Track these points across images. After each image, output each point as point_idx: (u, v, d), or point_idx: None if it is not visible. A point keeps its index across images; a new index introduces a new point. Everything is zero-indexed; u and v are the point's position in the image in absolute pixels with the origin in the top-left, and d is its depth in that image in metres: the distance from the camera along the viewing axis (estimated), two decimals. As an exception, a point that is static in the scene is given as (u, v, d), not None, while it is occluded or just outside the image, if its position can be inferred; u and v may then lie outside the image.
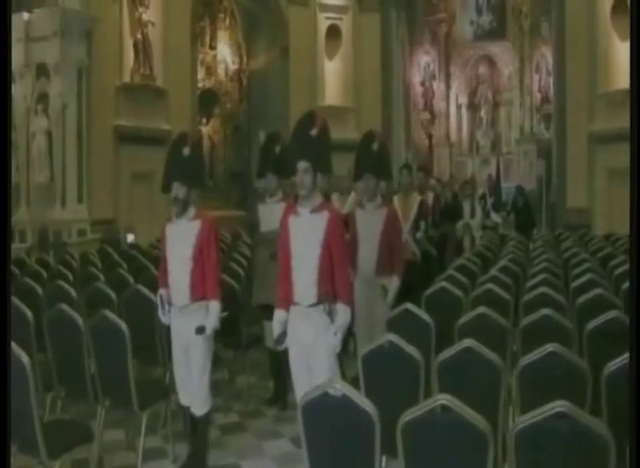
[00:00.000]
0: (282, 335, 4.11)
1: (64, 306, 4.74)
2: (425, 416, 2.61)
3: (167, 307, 4.60)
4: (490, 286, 5.56)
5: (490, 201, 13.13)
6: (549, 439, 2.52)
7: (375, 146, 5.63)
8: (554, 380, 3.36)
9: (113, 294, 5.81)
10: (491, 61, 23.69)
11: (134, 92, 13.45)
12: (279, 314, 4.16)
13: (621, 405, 3.26)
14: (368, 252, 5.53)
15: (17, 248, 10.81)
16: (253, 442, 5.23)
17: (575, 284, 6.14)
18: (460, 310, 5.16)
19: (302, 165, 3.99)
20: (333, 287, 3.99)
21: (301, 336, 4.03)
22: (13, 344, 3.59)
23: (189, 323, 4.46)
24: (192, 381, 4.55)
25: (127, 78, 13.39)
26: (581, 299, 5.29)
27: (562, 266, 7.81)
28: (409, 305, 4.60)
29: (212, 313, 4.53)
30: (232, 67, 18.25)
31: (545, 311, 4.44)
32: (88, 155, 12.22)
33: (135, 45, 13.53)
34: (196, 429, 4.63)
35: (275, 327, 4.16)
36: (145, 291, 5.55)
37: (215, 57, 17.73)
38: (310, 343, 3.98)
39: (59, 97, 11.83)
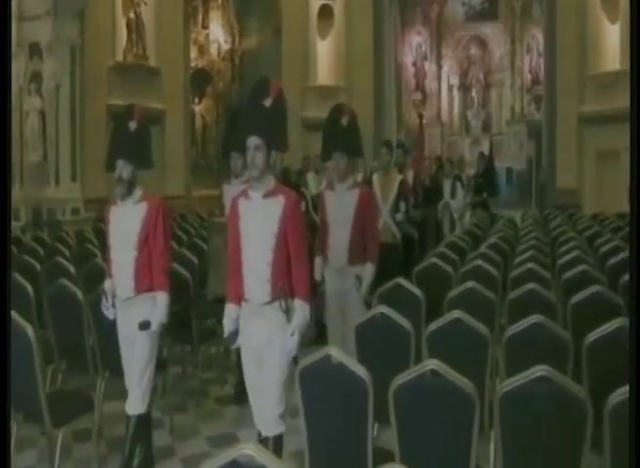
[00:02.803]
0: (233, 334, 3.68)
1: (65, 281, 4.85)
2: (415, 380, 2.75)
3: (110, 300, 4.17)
4: (479, 262, 5.70)
5: (480, 181, 13.19)
6: (532, 401, 2.67)
7: (344, 122, 5.05)
8: (538, 349, 3.49)
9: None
10: (482, 43, 23.81)
11: (127, 71, 13.47)
12: (230, 309, 3.71)
13: (600, 372, 3.44)
14: (339, 237, 4.99)
15: (11, 226, 10.89)
16: (248, 413, 5.34)
17: (561, 260, 6.30)
18: (449, 285, 5.30)
19: (253, 141, 3.50)
20: (289, 282, 3.54)
21: (253, 337, 3.59)
22: (17, 317, 3.72)
23: (134, 317, 4.05)
24: (130, 377, 4.19)
25: (120, 57, 13.42)
26: (567, 275, 5.45)
27: (550, 244, 7.98)
28: (401, 280, 4.74)
29: (159, 306, 4.08)
30: (225, 47, 18.25)
31: (531, 286, 4.59)
32: (81, 134, 12.27)
33: (127, 24, 13.55)
34: (137, 435, 4.19)
35: (226, 323, 3.72)
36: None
37: (207, 36, 17.72)
38: (263, 345, 3.54)
39: (52, 76, 11.85)
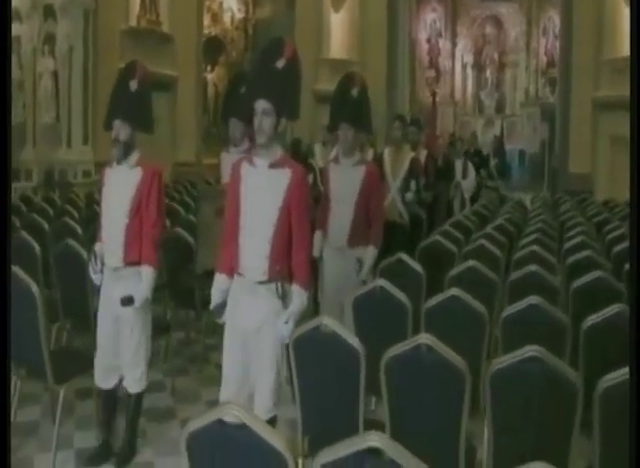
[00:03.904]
0: (221, 306, 3.45)
1: (71, 241, 4.91)
2: (406, 354, 2.79)
3: (99, 265, 3.96)
4: (483, 242, 5.71)
5: (493, 162, 13.10)
6: (522, 380, 2.72)
7: (354, 92, 4.77)
8: (534, 331, 3.52)
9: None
10: (498, 22, 23.57)
11: (140, 36, 13.46)
12: (220, 280, 3.48)
13: (597, 356, 3.47)
14: (340, 216, 4.73)
15: (22, 186, 10.99)
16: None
17: (567, 245, 6.32)
18: (452, 263, 5.31)
19: (262, 105, 3.21)
20: (288, 263, 3.32)
21: (243, 318, 3.34)
22: (22, 274, 3.78)
23: (121, 289, 3.84)
24: (124, 356, 3.98)
25: (133, 22, 13.42)
26: (571, 259, 5.46)
27: (558, 228, 8.00)
28: (402, 255, 4.75)
29: (144, 281, 3.86)
30: (238, 16, 18.15)
31: (532, 267, 4.60)
32: (94, 97, 12.29)
33: (141, -11, 13.52)
34: (127, 410, 4.05)
35: (214, 295, 3.49)
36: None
37: (221, 4, 17.63)
38: (254, 329, 3.31)
39: (65, 38, 11.90)
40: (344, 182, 4.76)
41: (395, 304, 3.75)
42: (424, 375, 2.80)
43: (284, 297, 3.26)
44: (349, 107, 4.76)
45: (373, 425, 3.01)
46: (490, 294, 4.47)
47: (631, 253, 3.93)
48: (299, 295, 3.29)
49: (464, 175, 10.34)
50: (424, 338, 2.78)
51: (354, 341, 2.94)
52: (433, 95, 23.58)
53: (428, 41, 23.80)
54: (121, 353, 3.97)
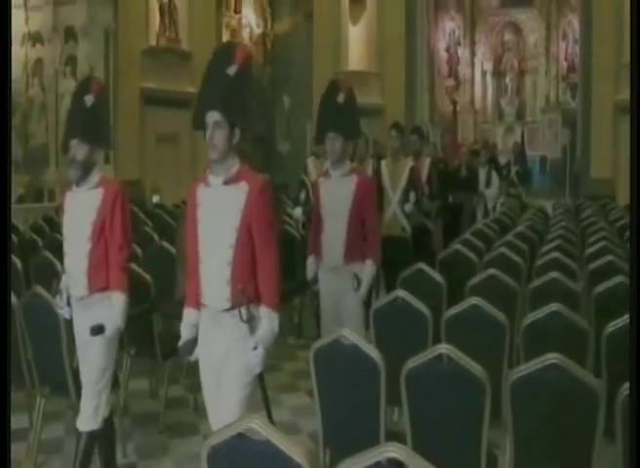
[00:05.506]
0: (190, 343, 3.15)
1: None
2: (426, 364, 2.79)
3: (64, 298, 3.66)
4: (503, 250, 5.68)
5: (514, 169, 13.03)
6: (542, 388, 2.69)
7: (340, 98, 4.48)
8: (556, 339, 3.50)
9: (139, 250, 6.06)
10: (517, 28, 23.51)
11: (159, 55, 13.64)
12: (189, 314, 3.19)
13: (619, 362, 3.42)
14: (334, 231, 4.40)
15: (45, 207, 11.12)
16: (270, 394, 5.41)
17: (589, 250, 6.25)
18: (472, 272, 5.27)
19: (213, 116, 2.96)
20: (255, 284, 3.02)
21: (212, 353, 3.06)
22: (45, 292, 3.85)
23: (89, 318, 3.53)
24: (83, 385, 3.67)
25: (153, 41, 13.59)
26: (593, 265, 5.41)
27: (580, 234, 7.92)
28: (422, 265, 4.74)
29: (115, 309, 3.55)
30: (257, 31, 18.26)
31: (553, 274, 4.56)
32: (114, 117, 12.38)
33: (160, 8, 13.72)
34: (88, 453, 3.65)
35: (183, 330, 3.20)
36: (169, 246, 5.80)
37: (239, 20, 17.75)
38: (221, 360, 3.02)
39: (86, 59, 12.10)
40: (335, 195, 4.46)
41: (415, 315, 3.75)
42: (444, 386, 2.80)
43: (250, 321, 2.91)
44: (335, 115, 4.50)
45: (395, 436, 2.99)
46: (511, 303, 4.45)
47: (632, 260, 3.83)
48: (267, 318, 2.98)
49: (488, 184, 10.30)
50: (444, 349, 2.78)
51: (374, 353, 2.94)
52: (453, 104, 23.55)
53: (447, 50, 23.77)
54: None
